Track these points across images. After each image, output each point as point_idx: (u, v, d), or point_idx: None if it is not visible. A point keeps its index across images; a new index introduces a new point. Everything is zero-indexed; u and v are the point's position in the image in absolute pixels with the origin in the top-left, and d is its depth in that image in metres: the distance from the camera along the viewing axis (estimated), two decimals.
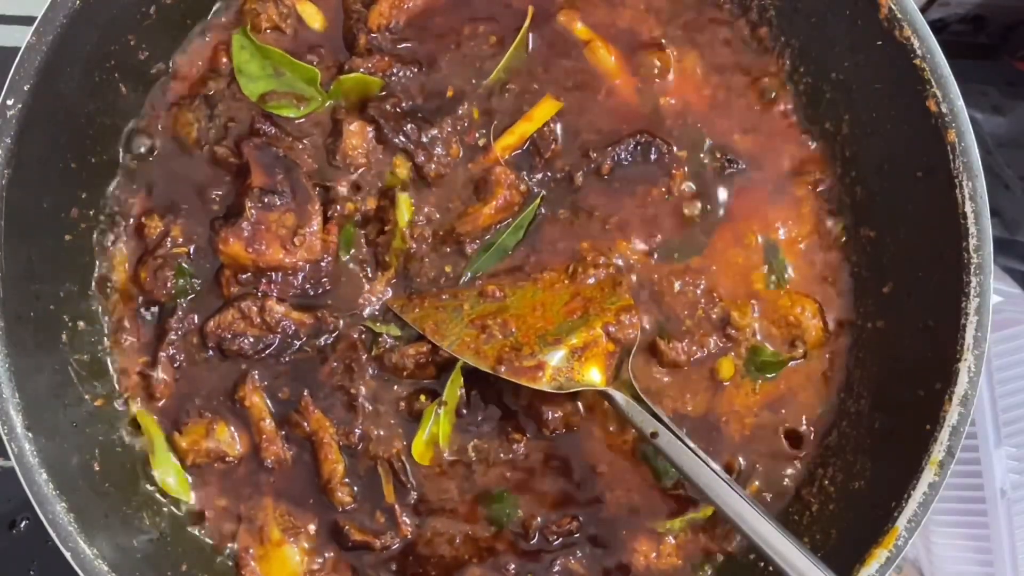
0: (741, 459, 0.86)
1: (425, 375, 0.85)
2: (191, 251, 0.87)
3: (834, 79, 0.86)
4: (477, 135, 0.88)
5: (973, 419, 0.75)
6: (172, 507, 0.86)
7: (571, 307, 0.84)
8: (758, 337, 0.87)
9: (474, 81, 0.89)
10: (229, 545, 0.86)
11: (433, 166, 0.87)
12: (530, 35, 0.89)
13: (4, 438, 0.74)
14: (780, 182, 0.88)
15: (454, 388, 0.84)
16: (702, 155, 0.88)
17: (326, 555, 0.85)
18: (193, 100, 0.89)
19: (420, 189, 0.88)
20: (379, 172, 0.88)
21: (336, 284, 0.87)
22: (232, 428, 0.86)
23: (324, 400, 0.85)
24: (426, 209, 0.87)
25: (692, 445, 0.76)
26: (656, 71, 0.89)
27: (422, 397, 0.85)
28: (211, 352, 0.86)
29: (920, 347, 0.79)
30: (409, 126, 0.87)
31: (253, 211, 0.85)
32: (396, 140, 0.87)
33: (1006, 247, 1.03)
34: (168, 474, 0.86)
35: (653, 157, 0.88)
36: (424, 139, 0.87)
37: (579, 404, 0.85)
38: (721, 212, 0.88)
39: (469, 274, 0.87)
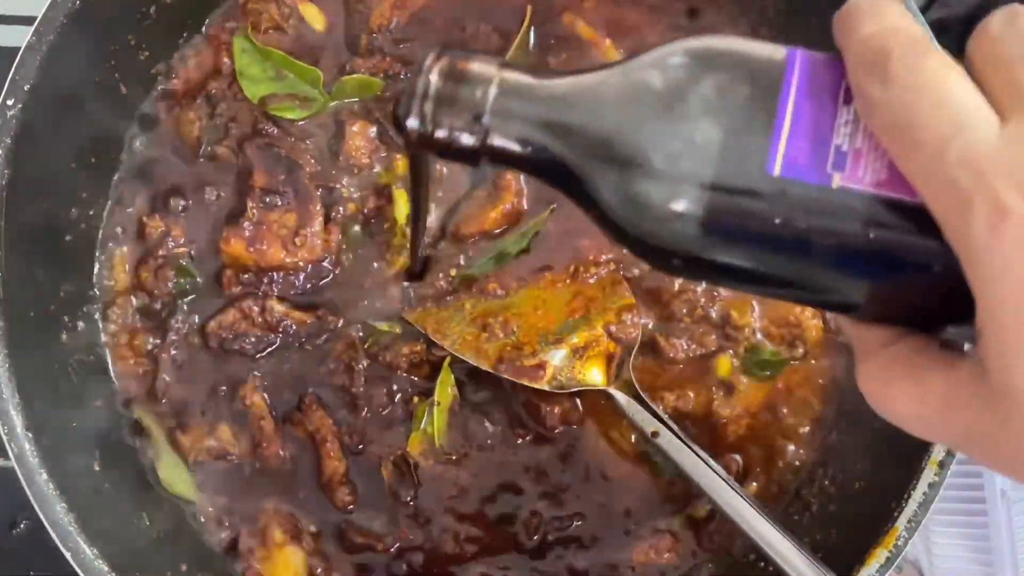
0: (740, 458, 0.86)
1: (420, 374, 0.85)
2: (192, 251, 0.87)
3: None
4: None
5: None
6: (173, 507, 0.86)
7: (573, 306, 0.84)
8: (758, 336, 0.87)
9: None
10: (230, 545, 0.86)
11: (439, 166, 0.87)
12: (535, 35, 0.89)
13: (4, 438, 0.74)
14: None
15: (445, 388, 0.84)
16: None
17: (328, 556, 0.85)
18: (194, 100, 0.89)
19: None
20: (382, 172, 0.88)
21: (338, 283, 0.87)
22: (233, 427, 0.86)
23: (325, 399, 0.85)
24: (435, 218, 0.87)
25: (692, 445, 0.76)
26: None
27: (415, 399, 0.85)
28: (212, 352, 0.86)
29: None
30: None
31: (255, 211, 0.85)
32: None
33: None
34: (170, 473, 0.86)
35: None
36: None
37: (578, 401, 0.85)
38: None
39: (456, 272, 0.86)
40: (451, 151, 0.45)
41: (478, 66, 0.44)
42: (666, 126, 0.39)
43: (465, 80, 0.44)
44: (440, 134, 0.45)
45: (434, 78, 0.44)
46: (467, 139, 0.44)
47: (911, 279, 0.37)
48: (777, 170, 0.37)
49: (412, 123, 0.45)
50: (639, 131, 0.39)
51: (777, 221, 0.37)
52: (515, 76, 0.44)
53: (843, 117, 0.37)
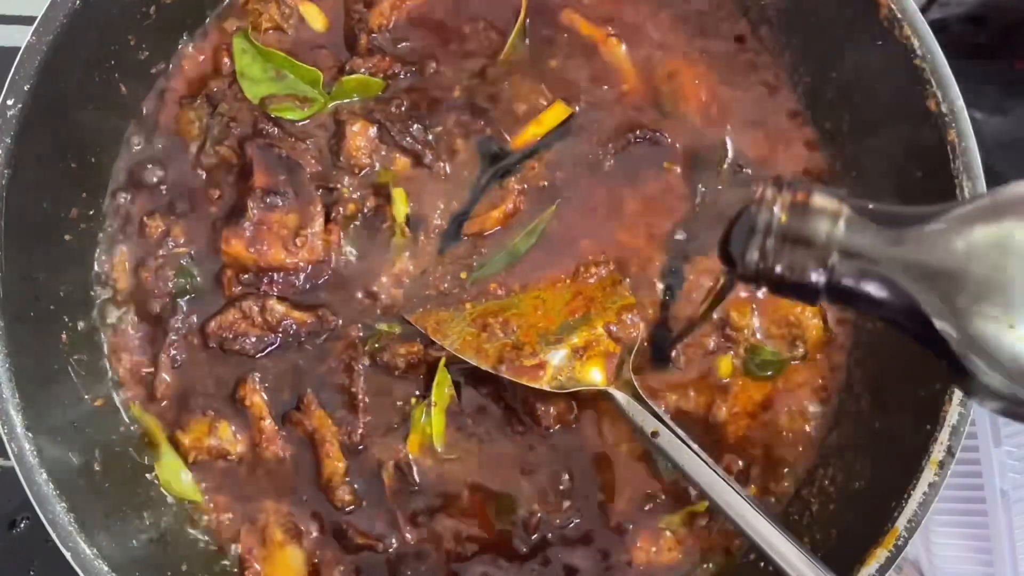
0: (740, 459, 0.86)
1: (418, 374, 0.85)
2: (192, 251, 0.87)
3: (834, 79, 0.86)
4: (486, 132, 0.88)
5: (973, 419, 0.75)
6: (173, 507, 0.86)
7: (573, 306, 0.84)
8: (758, 337, 0.87)
9: (477, 79, 0.89)
10: (231, 546, 0.86)
11: (442, 164, 0.87)
12: (534, 31, 0.89)
13: (4, 438, 0.74)
14: None
15: (441, 389, 0.84)
16: (705, 154, 0.88)
17: (329, 556, 0.85)
18: (194, 99, 0.89)
19: (427, 189, 0.88)
20: (381, 171, 0.88)
21: (338, 283, 0.87)
22: (233, 427, 0.86)
23: (325, 399, 0.85)
24: (436, 217, 0.87)
25: (693, 445, 0.76)
26: (660, 69, 0.89)
27: (413, 399, 0.85)
28: (212, 352, 0.86)
29: (920, 347, 0.79)
30: (415, 126, 0.87)
31: (255, 211, 0.85)
32: (404, 142, 0.87)
33: None
34: (170, 473, 0.86)
35: (656, 156, 0.88)
36: (430, 137, 0.87)
37: (574, 402, 0.85)
38: (723, 212, 0.88)
39: (471, 275, 0.86)
40: (789, 287, 0.44)
41: (821, 199, 0.42)
42: None
43: (808, 215, 0.42)
44: (781, 270, 0.43)
45: (778, 212, 0.43)
46: (812, 276, 0.42)
47: None
48: None
49: (752, 257, 0.43)
50: (1007, 284, 0.38)
51: None
52: (861, 214, 0.42)
53: None
